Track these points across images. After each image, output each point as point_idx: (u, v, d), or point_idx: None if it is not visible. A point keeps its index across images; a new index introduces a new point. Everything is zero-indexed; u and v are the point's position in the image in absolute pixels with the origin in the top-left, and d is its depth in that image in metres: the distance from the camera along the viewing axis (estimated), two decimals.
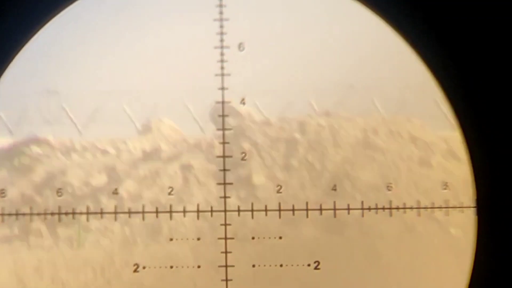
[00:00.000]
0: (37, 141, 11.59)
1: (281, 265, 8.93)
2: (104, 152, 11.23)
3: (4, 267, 9.37)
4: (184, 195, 10.28)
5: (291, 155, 10.48)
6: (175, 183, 10.45)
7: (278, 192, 9.90)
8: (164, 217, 10.04)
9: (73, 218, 9.31)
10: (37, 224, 10.06)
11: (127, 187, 10.48)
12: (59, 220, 9.44)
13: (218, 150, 10.93)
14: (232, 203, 10.17)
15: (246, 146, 10.71)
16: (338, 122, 10.51)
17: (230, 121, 11.57)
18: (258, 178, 10.33)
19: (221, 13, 5.52)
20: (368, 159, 10.11)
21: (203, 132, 11.85)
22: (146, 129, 11.51)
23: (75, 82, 12.00)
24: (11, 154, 11.47)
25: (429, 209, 7.97)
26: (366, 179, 10.02)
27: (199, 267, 9.02)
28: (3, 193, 9.79)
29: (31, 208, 9.78)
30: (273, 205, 10.02)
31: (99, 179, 10.71)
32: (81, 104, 12.35)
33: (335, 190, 9.74)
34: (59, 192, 10.04)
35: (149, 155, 10.93)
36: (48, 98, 12.36)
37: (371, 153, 10.26)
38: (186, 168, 10.62)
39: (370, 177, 9.97)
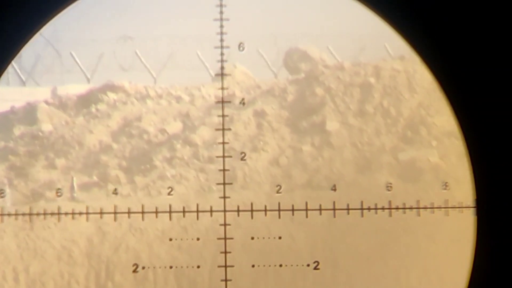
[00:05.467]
0: (113, 87, 11.70)
1: (280, 265, 8.90)
2: (179, 98, 11.27)
3: (82, 214, 9.58)
4: (258, 142, 10.27)
5: (365, 101, 10.31)
6: (248, 130, 10.44)
7: (277, 192, 9.78)
8: (238, 164, 10.08)
9: (73, 218, 9.38)
10: (116, 172, 10.23)
11: (202, 134, 10.52)
12: (58, 220, 9.54)
13: (292, 96, 10.86)
14: (299, 156, 10.09)
15: (319, 91, 10.58)
16: (413, 66, 10.27)
17: (301, 66, 11.45)
18: (332, 124, 10.22)
19: (221, 13, 5.43)
20: (444, 104, 9.88)
21: (276, 78, 11.77)
22: (219, 75, 11.47)
23: (148, 28, 12.04)
24: (88, 101, 11.63)
25: (428, 209, 7.83)
26: (441, 124, 9.83)
27: (198, 267, 9.05)
28: (3, 193, 9.89)
29: (30, 209, 9.88)
30: (348, 154, 9.93)
31: (175, 126, 10.78)
32: (155, 50, 12.41)
33: (334, 190, 9.62)
34: (58, 192, 10.08)
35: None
36: (123, 44, 12.44)
37: None
38: (259, 114, 10.58)
39: (445, 123, 9.77)
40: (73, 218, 9.32)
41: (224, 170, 5.97)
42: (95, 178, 10.21)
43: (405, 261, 9.15)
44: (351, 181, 9.66)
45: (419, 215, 7.89)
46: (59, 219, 9.42)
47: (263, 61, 11.92)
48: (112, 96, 11.61)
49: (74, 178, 10.01)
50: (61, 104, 11.54)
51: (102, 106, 11.44)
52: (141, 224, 9.42)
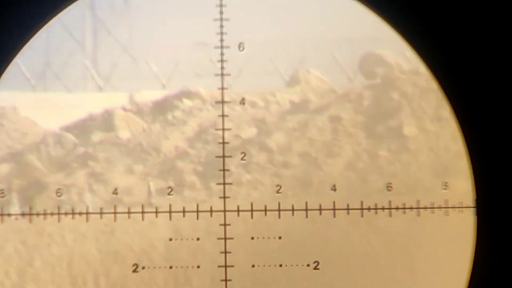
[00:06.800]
0: (188, 94, 11.81)
1: (280, 265, 8.81)
2: (253, 104, 11.33)
3: (161, 218, 9.70)
4: (333, 147, 10.26)
5: (442, 106, 10.20)
6: (323, 135, 10.44)
7: (277, 192, 9.68)
8: (313, 169, 10.08)
9: (73, 218, 9.41)
10: (191, 177, 10.34)
11: (277, 139, 10.56)
12: (59, 220, 9.58)
13: (367, 100, 10.81)
14: (375, 161, 10.03)
15: (396, 96, 10.52)
16: None
17: (378, 70, 11.38)
18: (410, 130, 10.15)
19: (221, 13, 5.43)
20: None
21: (351, 83, 11.74)
22: (293, 80, 11.50)
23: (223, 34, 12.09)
24: (164, 107, 11.77)
25: (428, 209, 7.68)
26: None
27: (198, 267, 9.01)
28: (3, 193, 9.98)
29: (30, 209, 9.96)
30: (425, 159, 9.85)
31: (249, 132, 10.84)
32: (229, 56, 12.47)
33: (334, 190, 9.50)
34: (58, 192, 10.12)
35: (298, 107, 10.94)
36: (198, 50, 12.56)
37: None
38: (335, 119, 10.57)
39: None
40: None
41: (224, 170, 6.00)
42: (171, 183, 10.33)
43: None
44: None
45: (419, 215, 7.81)
46: (58, 219, 9.51)
47: (337, 65, 11.89)
48: (187, 102, 11.73)
49: (151, 183, 10.15)
50: (138, 110, 11.72)
51: (178, 113, 11.58)
52: (141, 224, 9.51)
